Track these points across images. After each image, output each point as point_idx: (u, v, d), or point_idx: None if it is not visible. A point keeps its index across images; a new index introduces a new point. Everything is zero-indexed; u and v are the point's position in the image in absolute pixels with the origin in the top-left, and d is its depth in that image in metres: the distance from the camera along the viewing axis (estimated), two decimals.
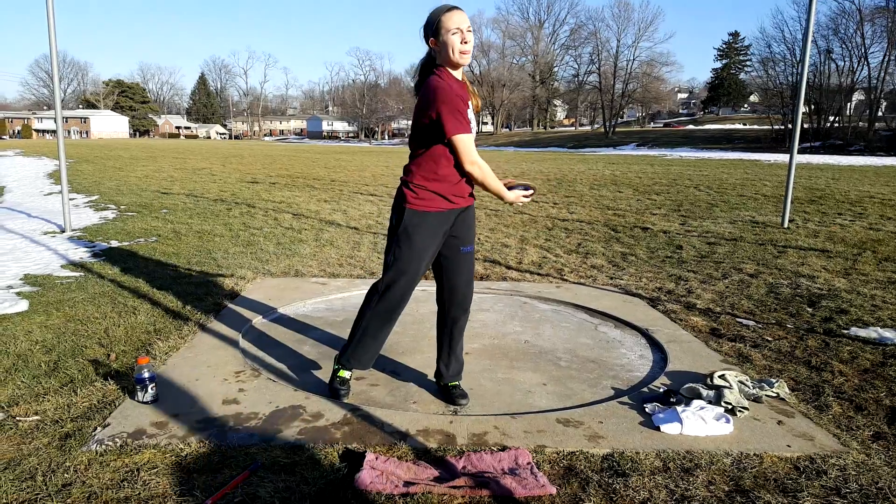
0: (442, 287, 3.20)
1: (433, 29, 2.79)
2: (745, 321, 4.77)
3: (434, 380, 3.44)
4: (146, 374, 3.07)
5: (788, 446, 2.82)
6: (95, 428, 2.84)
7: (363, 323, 3.17)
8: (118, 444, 2.68)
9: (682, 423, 2.92)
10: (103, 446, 2.66)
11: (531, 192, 3.05)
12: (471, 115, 2.88)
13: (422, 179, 2.94)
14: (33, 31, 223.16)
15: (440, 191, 2.94)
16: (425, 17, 2.87)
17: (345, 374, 3.28)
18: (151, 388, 3.10)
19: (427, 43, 2.85)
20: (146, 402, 3.08)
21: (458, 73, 2.89)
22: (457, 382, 3.33)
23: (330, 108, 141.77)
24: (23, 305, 4.74)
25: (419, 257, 2.98)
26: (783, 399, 3.33)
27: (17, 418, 2.94)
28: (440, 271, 3.17)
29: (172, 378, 3.44)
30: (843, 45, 50.40)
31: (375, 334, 3.18)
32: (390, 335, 4.24)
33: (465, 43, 2.76)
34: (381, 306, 3.10)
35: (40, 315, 4.53)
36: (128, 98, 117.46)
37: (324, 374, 3.58)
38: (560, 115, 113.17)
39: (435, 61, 2.89)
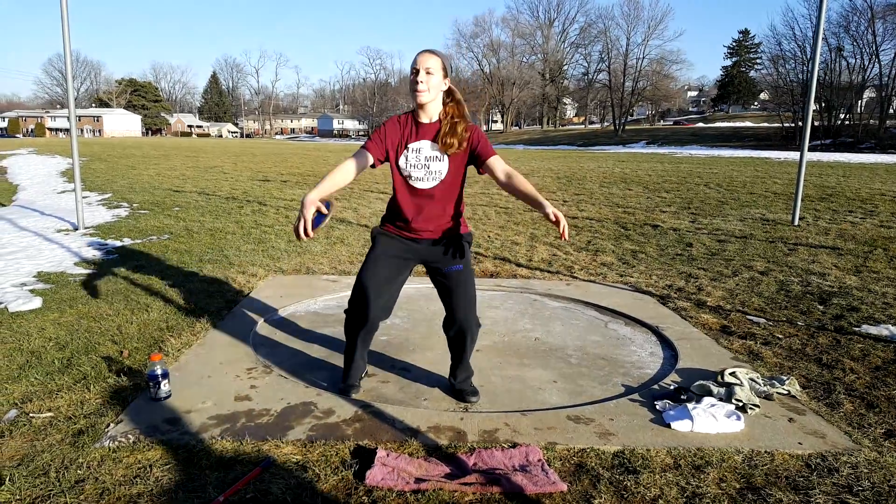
0: (446, 310, 3.19)
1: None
2: (755, 318, 4.75)
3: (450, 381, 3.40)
4: (159, 371, 3.10)
5: (800, 444, 2.81)
6: (108, 424, 2.87)
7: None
8: (131, 441, 2.71)
9: (692, 421, 2.91)
10: (116, 442, 2.69)
11: (325, 216, 2.73)
12: (420, 150, 2.95)
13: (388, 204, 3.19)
14: (47, 31, 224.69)
15: (392, 220, 3.15)
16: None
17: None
18: (164, 385, 3.12)
19: None
20: (159, 399, 3.11)
21: (425, 113, 2.94)
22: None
23: (341, 107, 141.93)
24: (36, 303, 4.78)
25: (374, 262, 3.07)
26: (794, 396, 3.32)
27: (31, 415, 2.96)
28: (440, 295, 3.19)
29: (185, 375, 3.46)
30: (854, 43, 50.07)
31: (347, 349, 3.28)
32: (401, 332, 4.27)
33: (417, 83, 2.83)
34: (347, 318, 3.19)
35: (54, 312, 4.57)
36: (140, 97, 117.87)
37: (335, 371, 3.59)
38: (570, 112, 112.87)
39: None
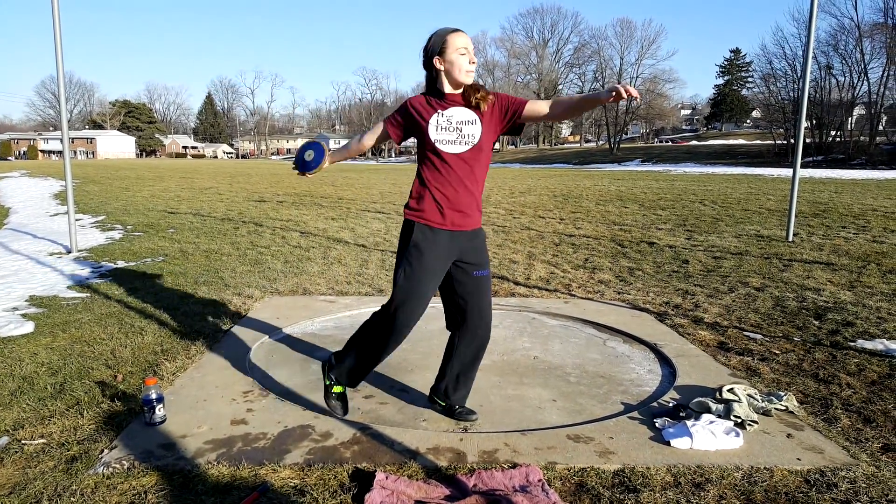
0: (464, 318, 3.09)
1: (439, 49, 2.81)
2: (752, 335, 4.75)
3: (436, 399, 3.30)
4: (153, 395, 3.07)
5: (798, 459, 2.80)
6: (102, 450, 2.83)
7: (366, 343, 3.07)
8: (125, 467, 2.68)
9: (692, 438, 2.90)
10: (110, 469, 2.66)
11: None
12: (451, 117, 2.86)
13: None
14: (40, 53, 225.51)
15: (432, 206, 2.95)
16: (429, 35, 2.89)
17: (340, 389, 3.21)
18: (159, 410, 3.09)
19: (430, 63, 2.85)
20: (154, 424, 3.08)
21: (453, 88, 2.88)
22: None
23: (337, 127, 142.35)
24: (28, 327, 4.75)
25: (427, 272, 2.90)
26: (792, 412, 3.31)
27: (23, 442, 2.93)
28: (458, 299, 3.06)
29: (180, 399, 3.43)
30: (843, 61, 50.61)
31: (378, 356, 3.07)
32: (399, 352, 4.25)
33: (472, 63, 2.83)
34: (384, 324, 3.00)
35: (46, 337, 4.54)
36: (134, 118, 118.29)
37: None
38: (565, 131, 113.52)
39: (428, 78, 2.93)
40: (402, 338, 3.01)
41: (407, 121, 2.92)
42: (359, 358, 3.10)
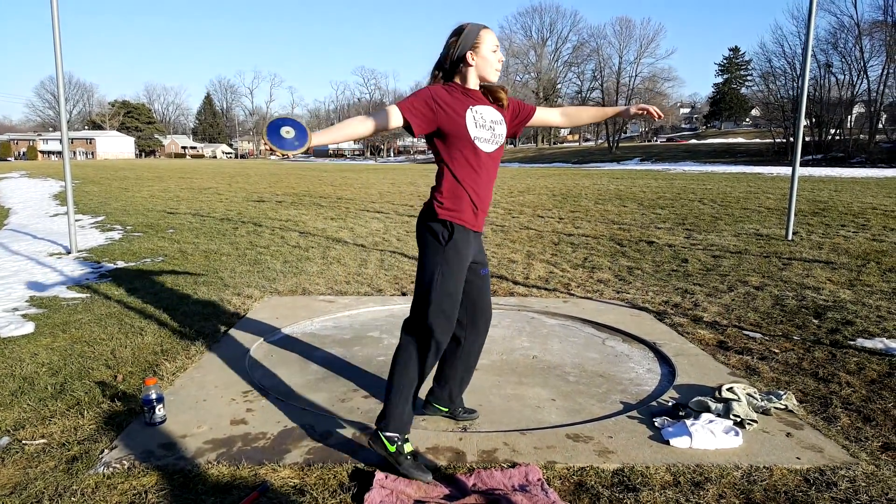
0: (471, 316, 3.04)
1: (471, 44, 2.73)
2: (751, 333, 4.75)
3: (438, 406, 3.23)
4: (153, 395, 3.07)
5: (798, 458, 2.80)
6: (102, 450, 2.84)
7: (410, 370, 2.78)
8: (126, 467, 2.68)
9: (691, 437, 2.91)
10: (111, 469, 2.66)
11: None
12: (483, 114, 2.76)
13: None
14: (39, 54, 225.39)
15: (465, 204, 2.82)
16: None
17: (411, 446, 2.79)
18: (159, 410, 3.10)
19: (462, 56, 2.74)
20: (154, 424, 3.08)
21: (475, 84, 2.81)
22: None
23: None
24: (29, 328, 4.75)
25: (462, 271, 2.80)
26: (791, 411, 3.32)
27: (24, 442, 2.94)
28: (463, 298, 2.97)
29: (180, 399, 3.43)
30: (843, 59, 50.71)
31: (422, 377, 2.82)
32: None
33: (500, 62, 2.82)
34: (424, 338, 2.78)
35: (46, 337, 4.54)
36: (133, 119, 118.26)
37: (332, 393, 3.57)
38: (564, 130, 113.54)
39: (451, 71, 2.80)
40: (445, 345, 2.79)
41: (435, 113, 2.68)
42: (408, 393, 2.78)
